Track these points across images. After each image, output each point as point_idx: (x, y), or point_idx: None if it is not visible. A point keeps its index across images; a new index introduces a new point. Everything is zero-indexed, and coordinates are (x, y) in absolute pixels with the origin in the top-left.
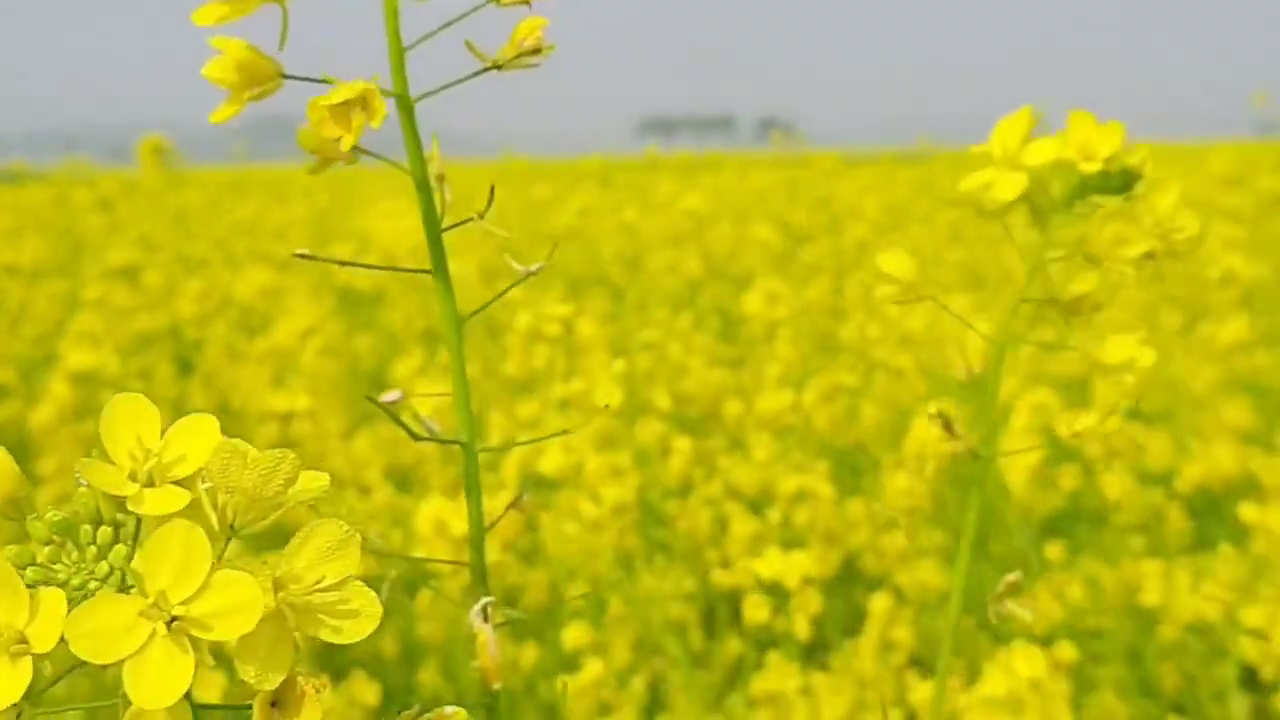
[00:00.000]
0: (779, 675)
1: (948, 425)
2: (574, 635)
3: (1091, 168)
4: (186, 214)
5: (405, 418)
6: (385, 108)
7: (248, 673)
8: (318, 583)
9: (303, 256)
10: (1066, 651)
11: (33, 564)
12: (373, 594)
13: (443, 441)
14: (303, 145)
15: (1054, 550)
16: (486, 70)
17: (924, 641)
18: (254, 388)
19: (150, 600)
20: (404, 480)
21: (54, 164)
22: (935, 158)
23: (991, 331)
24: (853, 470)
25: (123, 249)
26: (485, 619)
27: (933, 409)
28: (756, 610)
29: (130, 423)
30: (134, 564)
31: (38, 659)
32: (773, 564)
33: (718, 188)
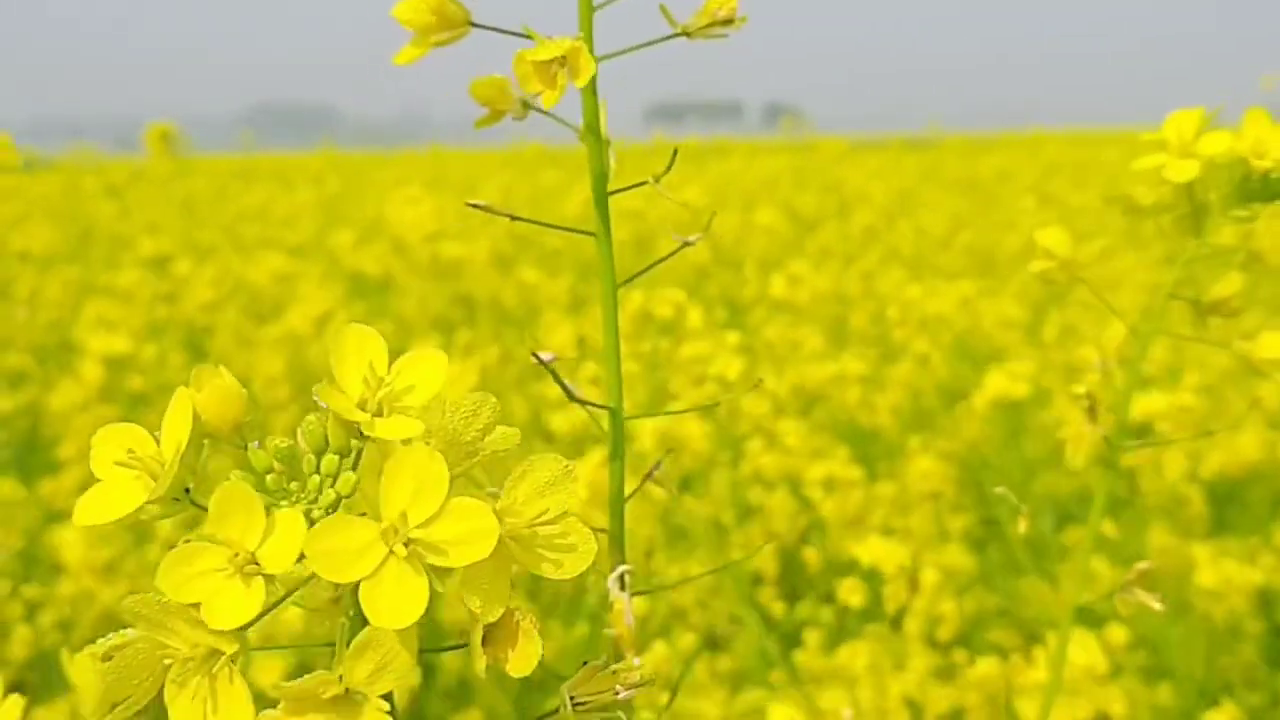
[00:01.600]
0: (849, 651)
1: (1092, 409)
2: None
3: (1263, 165)
4: (194, 201)
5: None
6: (593, 67)
7: (473, 603)
8: (538, 516)
9: (476, 207)
10: (1117, 635)
11: (260, 490)
12: (588, 531)
13: (595, 406)
14: (474, 97)
15: (1074, 534)
16: (675, 36)
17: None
18: (270, 373)
19: (387, 523)
20: None
21: (62, 151)
22: (943, 143)
23: (1138, 324)
24: (868, 457)
25: (147, 237)
26: (622, 587)
27: (1081, 390)
28: (852, 594)
29: (360, 352)
30: (371, 487)
31: (268, 580)
32: (872, 550)
33: (726, 174)
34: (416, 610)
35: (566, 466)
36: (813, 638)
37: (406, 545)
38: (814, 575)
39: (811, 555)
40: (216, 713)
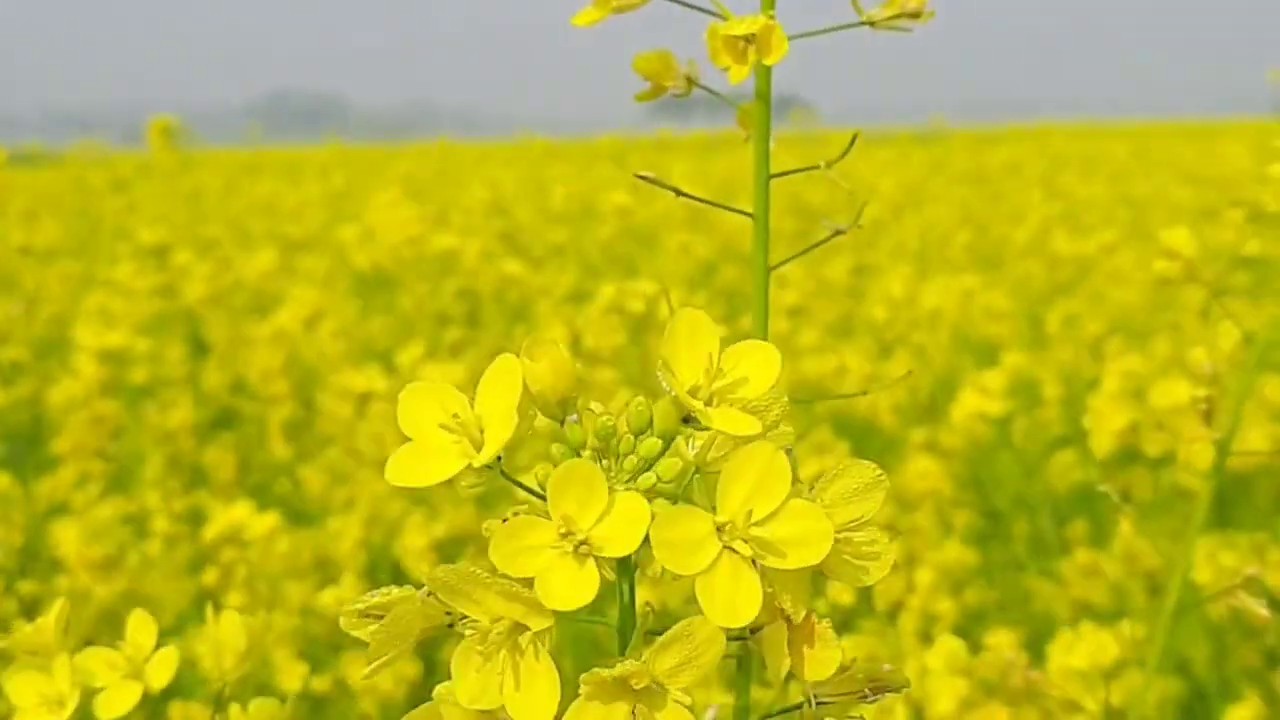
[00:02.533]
0: (855, 645)
1: (1209, 413)
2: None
3: None
4: (202, 195)
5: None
6: (785, 46)
7: (786, 602)
8: (851, 522)
9: (643, 179)
10: (1137, 631)
11: None
12: (888, 539)
13: None
14: (638, 71)
15: (1077, 529)
16: (859, 25)
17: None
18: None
19: (726, 517)
20: None
21: (69, 145)
22: (951, 137)
23: (1256, 329)
24: (867, 451)
25: (148, 229)
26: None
27: (1201, 394)
28: (842, 592)
29: (694, 337)
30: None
31: (601, 562)
32: None
33: (734, 169)
34: (753, 608)
35: (879, 474)
36: None
37: (746, 543)
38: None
39: None
40: (519, 689)
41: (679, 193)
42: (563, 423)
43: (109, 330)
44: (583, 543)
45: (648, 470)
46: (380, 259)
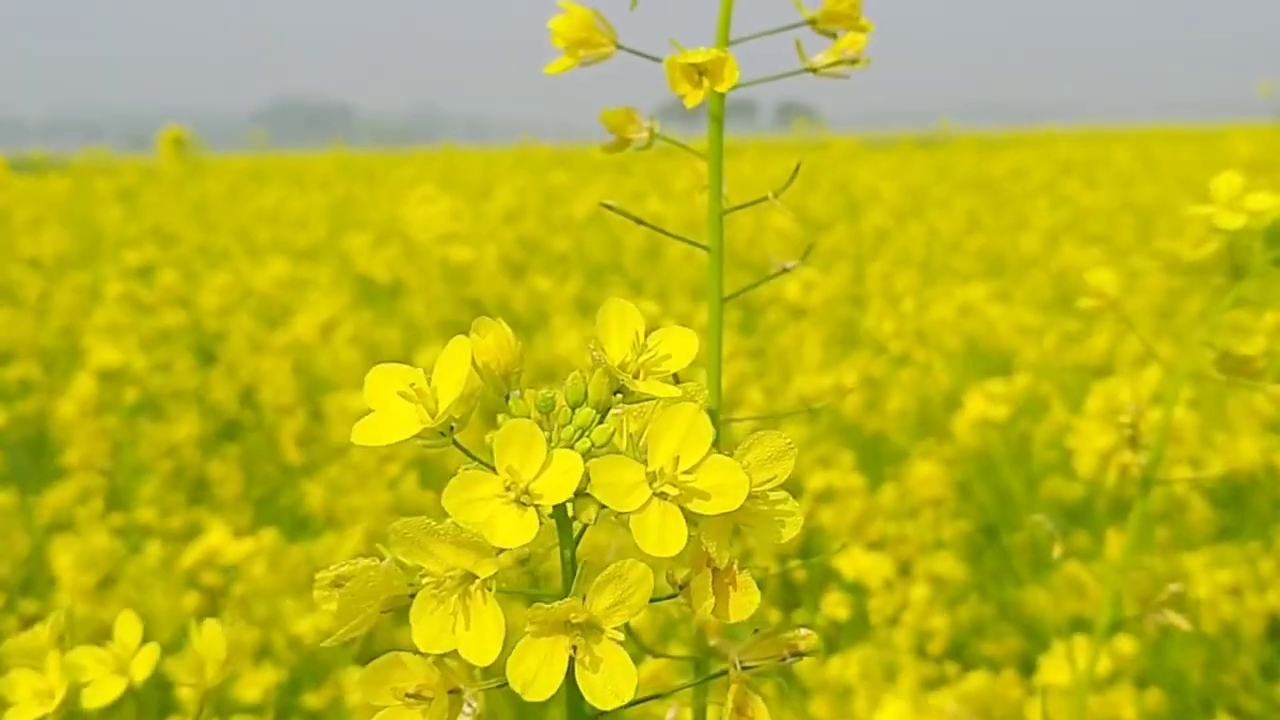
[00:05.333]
0: (839, 664)
1: (1134, 439)
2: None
3: None
4: (207, 203)
5: None
6: (736, 76)
7: (712, 547)
8: (766, 482)
9: (608, 207)
10: (1126, 645)
11: None
12: (798, 506)
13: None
14: (604, 124)
15: (1080, 540)
16: (802, 71)
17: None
18: (277, 379)
19: (655, 466)
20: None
21: (74, 152)
22: (955, 142)
23: (1174, 363)
24: (877, 459)
25: (140, 246)
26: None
27: (1126, 419)
28: (837, 608)
29: (622, 322)
30: (643, 435)
31: (541, 511)
32: (856, 563)
33: (738, 176)
34: (680, 543)
35: (789, 444)
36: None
37: (675, 487)
38: (812, 584)
39: (798, 571)
40: (469, 629)
41: (640, 222)
42: (507, 398)
43: (116, 344)
44: (524, 492)
45: (583, 437)
46: (393, 266)
